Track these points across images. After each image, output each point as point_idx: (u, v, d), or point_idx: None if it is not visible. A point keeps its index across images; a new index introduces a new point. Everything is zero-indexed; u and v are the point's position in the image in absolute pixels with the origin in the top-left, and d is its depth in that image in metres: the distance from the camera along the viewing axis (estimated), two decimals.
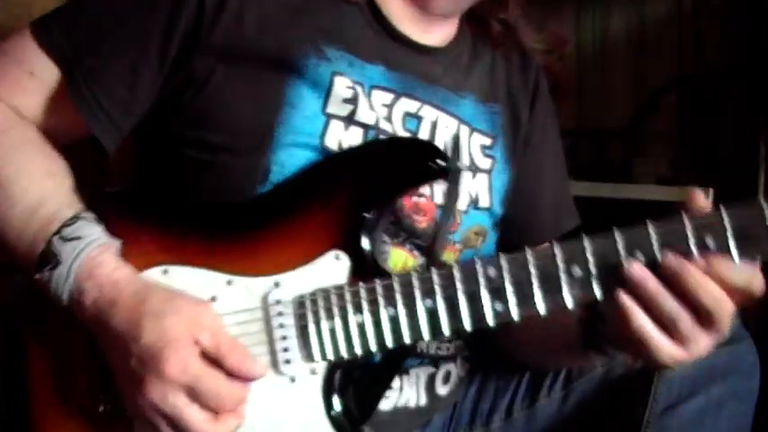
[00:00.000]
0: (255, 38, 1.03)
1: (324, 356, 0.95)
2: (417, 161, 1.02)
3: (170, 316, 0.90)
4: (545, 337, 1.13)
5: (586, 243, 0.88)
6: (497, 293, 0.90)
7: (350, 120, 1.05)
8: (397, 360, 1.00)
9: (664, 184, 2.35)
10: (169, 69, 1.03)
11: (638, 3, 2.59)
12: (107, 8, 1.05)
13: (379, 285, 0.93)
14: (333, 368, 0.96)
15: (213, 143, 1.02)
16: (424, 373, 1.14)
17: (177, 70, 1.03)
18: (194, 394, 0.88)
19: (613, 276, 0.87)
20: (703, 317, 0.85)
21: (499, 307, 0.90)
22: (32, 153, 1.02)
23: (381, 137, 1.06)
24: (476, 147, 1.17)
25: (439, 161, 1.00)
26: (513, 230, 1.22)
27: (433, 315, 0.92)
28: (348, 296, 0.94)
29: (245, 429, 0.93)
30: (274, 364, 0.96)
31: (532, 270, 0.89)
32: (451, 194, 1.09)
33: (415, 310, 0.92)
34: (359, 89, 1.07)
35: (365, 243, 0.97)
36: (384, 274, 0.95)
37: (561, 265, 0.88)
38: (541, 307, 0.89)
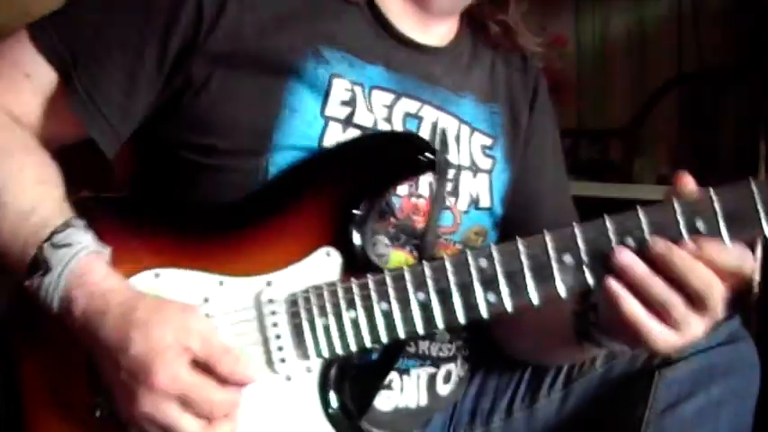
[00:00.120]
0: (254, 42, 1.03)
1: (319, 354, 0.95)
2: (405, 154, 1.01)
3: (158, 326, 0.89)
4: (540, 331, 1.13)
5: (578, 231, 0.88)
6: (490, 284, 0.90)
7: (348, 122, 1.05)
8: (392, 354, 1.00)
9: (664, 184, 2.35)
10: (167, 73, 1.03)
11: (638, 3, 2.60)
12: (105, 11, 1.05)
13: (371, 281, 0.93)
14: (328, 365, 0.96)
15: (212, 147, 1.02)
16: (425, 373, 1.14)
17: (175, 74, 1.03)
18: (186, 403, 0.88)
19: (605, 264, 0.87)
20: (695, 300, 0.85)
21: (492, 298, 0.90)
22: (25, 159, 1.02)
23: None
24: (476, 147, 1.17)
25: (427, 154, 1.00)
26: (513, 230, 1.21)
27: (426, 308, 0.92)
28: (341, 293, 0.94)
29: (243, 430, 0.92)
30: (269, 364, 0.96)
31: (524, 260, 0.89)
32: (440, 188, 1.08)
33: (409, 304, 0.92)
34: (358, 91, 1.07)
35: (356, 238, 0.97)
36: (376, 270, 0.95)
37: (553, 254, 0.88)
38: (534, 296, 0.89)
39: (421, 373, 1.13)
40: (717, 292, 0.84)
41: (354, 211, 0.97)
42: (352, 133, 1.05)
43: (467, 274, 0.90)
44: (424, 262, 0.92)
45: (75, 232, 0.95)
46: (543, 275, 0.88)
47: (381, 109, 1.08)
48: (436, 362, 1.15)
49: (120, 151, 1.07)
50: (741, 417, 1.10)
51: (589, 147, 2.63)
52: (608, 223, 0.87)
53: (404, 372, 1.10)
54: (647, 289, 0.85)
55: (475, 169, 1.16)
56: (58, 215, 0.96)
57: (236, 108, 1.02)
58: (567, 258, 0.88)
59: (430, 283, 0.92)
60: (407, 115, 1.10)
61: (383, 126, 1.07)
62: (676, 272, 0.84)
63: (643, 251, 0.86)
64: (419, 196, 1.08)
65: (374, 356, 0.99)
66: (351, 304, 0.93)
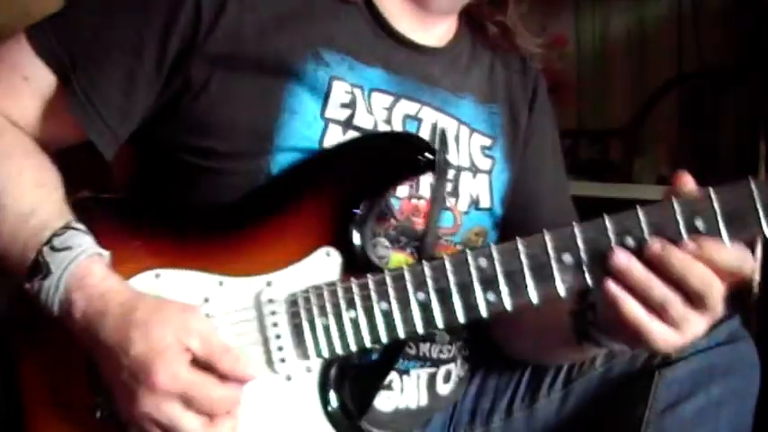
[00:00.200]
0: (254, 44, 1.02)
1: (318, 354, 0.95)
2: (404, 155, 1.02)
3: (158, 326, 0.89)
4: (539, 331, 1.13)
5: (577, 230, 0.88)
6: (489, 284, 0.90)
7: (348, 124, 1.05)
8: (392, 355, 1.00)
9: (664, 184, 2.35)
10: (166, 75, 1.02)
11: (638, 3, 2.59)
12: (104, 13, 1.04)
13: (371, 280, 0.93)
14: (328, 365, 0.96)
15: (213, 149, 1.02)
16: (425, 373, 1.14)
17: (174, 76, 1.02)
18: (187, 401, 0.88)
19: (604, 264, 0.87)
20: (694, 299, 0.85)
21: (492, 297, 0.90)
22: (23, 162, 1.02)
23: None
24: (476, 147, 1.17)
25: (427, 154, 1.00)
26: (513, 230, 1.21)
27: (425, 308, 0.92)
28: (340, 292, 0.94)
29: (243, 430, 0.92)
30: (269, 363, 0.96)
31: (524, 259, 0.89)
32: (439, 188, 1.08)
33: (408, 304, 0.92)
34: (357, 93, 1.06)
35: (355, 238, 0.97)
36: (376, 269, 0.95)
37: (552, 254, 0.88)
38: (534, 296, 0.89)
39: (421, 374, 1.13)
40: (716, 291, 0.85)
41: (354, 211, 0.97)
42: (353, 135, 1.05)
43: (466, 274, 0.91)
44: (424, 262, 0.92)
45: (75, 235, 0.95)
46: (543, 275, 0.88)
47: (381, 111, 1.08)
48: (436, 363, 1.15)
49: (119, 153, 1.07)
50: (741, 417, 1.10)
51: (589, 147, 2.62)
52: (607, 223, 0.87)
53: (403, 372, 1.11)
54: (646, 290, 0.85)
55: (474, 170, 1.16)
56: (57, 218, 0.96)
57: (236, 110, 1.01)
58: (567, 258, 0.88)
59: (430, 282, 0.92)
60: (407, 117, 1.10)
61: (383, 128, 1.07)
62: (674, 271, 0.84)
63: (642, 251, 0.86)
64: (420, 198, 1.08)
65: (374, 357, 0.99)
66: (351, 304, 0.94)
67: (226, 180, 1.02)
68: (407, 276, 0.92)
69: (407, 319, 0.92)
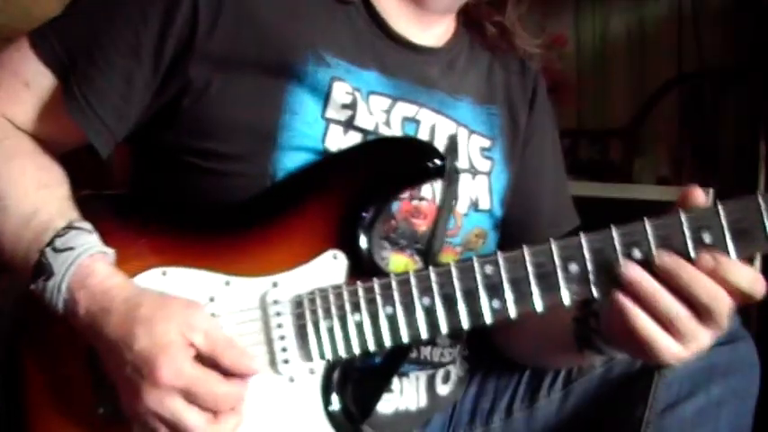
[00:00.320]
0: (253, 45, 1.02)
1: (322, 356, 0.95)
2: (414, 160, 1.01)
3: (162, 322, 0.90)
4: (540, 337, 1.13)
5: (584, 240, 0.88)
6: (495, 291, 0.90)
7: (349, 125, 1.05)
8: (396, 359, 1.00)
9: (664, 184, 2.36)
10: (163, 76, 1.02)
11: (638, 3, 2.60)
12: (104, 15, 1.04)
13: (376, 284, 0.93)
14: (331, 367, 0.96)
15: (214, 151, 1.02)
16: (424, 374, 1.14)
17: (172, 77, 1.02)
18: (191, 397, 0.88)
19: (610, 275, 0.87)
20: (702, 314, 0.85)
21: (497, 304, 0.90)
22: (26, 164, 1.02)
23: None
24: (474, 149, 1.17)
25: (436, 161, 1.00)
26: (513, 231, 1.22)
27: (430, 313, 0.92)
28: (346, 295, 0.94)
29: (245, 430, 0.92)
30: (273, 364, 0.96)
31: (530, 267, 0.89)
32: (448, 194, 1.09)
33: (413, 309, 0.92)
34: (358, 95, 1.06)
35: (363, 242, 0.97)
36: (382, 274, 0.95)
37: (558, 263, 0.88)
38: (539, 304, 0.89)
39: (420, 375, 1.13)
40: (724, 306, 0.84)
41: (362, 215, 0.97)
42: (354, 136, 1.05)
43: (472, 281, 0.91)
44: (430, 267, 0.93)
45: (78, 235, 0.95)
46: (548, 284, 0.88)
47: (380, 113, 1.08)
48: (436, 366, 1.15)
49: (119, 155, 1.08)
50: (741, 417, 1.10)
51: (589, 147, 2.63)
52: (614, 234, 0.87)
53: (402, 374, 1.11)
54: (656, 303, 0.85)
55: (474, 171, 1.16)
56: (60, 217, 0.97)
57: (237, 111, 1.01)
58: (573, 267, 0.88)
59: (435, 288, 0.92)
60: (405, 119, 1.10)
61: (384, 129, 1.07)
62: (683, 286, 0.84)
63: (649, 263, 0.86)
64: (421, 199, 1.08)
65: (377, 361, 0.99)
66: (356, 307, 0.94)
67: (228, 181, 1.02)
68: (413, 281, 0.92)
69: (412, 324, 0.92)
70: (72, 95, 1.01)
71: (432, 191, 1.09)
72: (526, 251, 0.89)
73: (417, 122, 1.11)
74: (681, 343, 0.86)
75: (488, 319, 0.91)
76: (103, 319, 0.91)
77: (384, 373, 1.01)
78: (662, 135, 2.54)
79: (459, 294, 0.91)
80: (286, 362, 0.96)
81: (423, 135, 1.11)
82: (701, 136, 2.45)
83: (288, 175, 1.01)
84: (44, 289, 0.93)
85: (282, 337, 0.95)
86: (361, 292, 0.94)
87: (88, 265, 0.93)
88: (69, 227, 0.95)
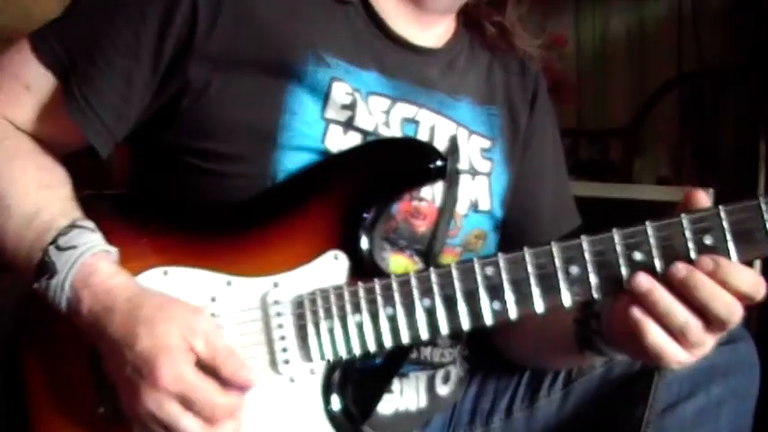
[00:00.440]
0: (253, 45, 1.02)
1: (322, 356, 0.95)
2: (416, 162, 1.01)
3: (163, 322, 0.90)
4: (541, 338, 1.13)
5: (584, 242, 0.88)
6: (495, 292, 0.90)
7: (348, 125, 1.05)
8: (396, 360, 1.00)
9: (664, 184, 2.36)
10: (162, 75, 1.02)
11: (638, 3, 2.60)
12: (104, 15, 1.04)
13: (377, 285, 0.93)
14: (332, 368, 0.96)
15: (213, 151, 1.02)
16: (424, 375, 1.14)
17: (171, 77, 1.02)
18: (188, 403, 0.88)
19: (612, 277, 0.87)
20: (716, 324, 0.84)
21: (497, 306, 0.91)
22: (27, 164, 1.02)
23: None
24: (474, 150, 1.16)
25: (438, 162, 1.00)
26: (514, 232, 1.21)
27: (431, 314, 0.92)
28: (347, 296, 0.94)
29: (245, 430, 0.92)
30: (273, 365, 0.96)
31: (530, 269, 0.89)
32: (450, 196, 1.08)
33: (414, 310, 0.92)
34: (357, 95, 1.06)
35: (364, 243, 0.97)
36: (383, 274, 0.95)
37: (559, 264, 0.88)
38: (539, 306, 0.89)
39: (420, 376, 1.13)
40: (738, 316, 0.84)
41: (364, 216, 0.98)
42: (353, 136, 1.05)
43: (473, 282, 0.91)
44: (431, 268, 0.93)
45: (81, 233, 0.95)
46: (549, 285, 0.89)
47: (380, 114, 1.08)
48: (436, 366, 1.15)
49: (119, 155, 1.08)
50: (741, 417, 1.10)
51: (589, 147, 2.63)
52: (615, 236, 0.87)
53: (402, 375, 1.11)
54: (668, 314, 0.85)
55: (473, 172, 1.15)
56: (63, 217, 0.97)
57: (236, 111, 1.01)
58: (574, 269, 0.88)
59: (436, 289, 0.92)
60: (405, 120, 1.10)
61: (383, 130, 1.07)
62: (699, 297, 0.83)
63: (651, 267, 0.86)
64: (421, 200, 1.08)
65: (378, 361, 0.99)
66: (356, 308, 0.94)
67: (228, 181, 1.02)
68: (414, 282, 0.92)
69: (412, 325, 0.93)
70: (72, 96, 1.01)
71: (431, 192, 1.09)
72: (527, 252, 0.89)
73: (417, 123, 1.11)
74: (688, 350, 0.86)
75: (489, 320, 0.91)
76: (106, 318, 0.91)
77: (384, 373, 1.01)
78: (662, 135, 2.54)
79: (459, 295, 0.91)
80: (286, 362, 0.96)
81: (422, 136, 1.11)
82: (701, 136, 2.45)
83: (289, 175, 1.01)
84: (47, 287, 0.93)
85: (283, 338, 0.96)
86: (361, 293, 0.94)
87: (91, 263, 0.93)
88: (72, 225, 0.96)
